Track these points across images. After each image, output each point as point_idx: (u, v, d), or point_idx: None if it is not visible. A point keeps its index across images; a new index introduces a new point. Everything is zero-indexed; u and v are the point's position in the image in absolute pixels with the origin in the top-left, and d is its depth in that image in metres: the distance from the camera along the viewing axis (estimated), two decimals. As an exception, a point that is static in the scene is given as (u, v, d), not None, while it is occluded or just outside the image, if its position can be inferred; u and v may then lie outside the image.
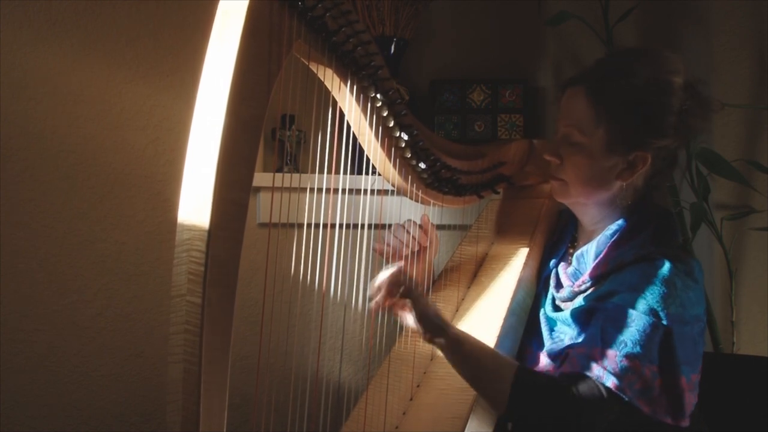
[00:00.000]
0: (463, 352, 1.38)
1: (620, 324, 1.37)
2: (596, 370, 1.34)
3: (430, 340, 1.39)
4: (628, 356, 1.34)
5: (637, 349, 1.35)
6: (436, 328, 1.38)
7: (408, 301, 1.36)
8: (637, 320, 1.37)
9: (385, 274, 1.36)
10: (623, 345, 1.35)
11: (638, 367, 1.34)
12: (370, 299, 1.37)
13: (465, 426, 1.34)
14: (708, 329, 2.20)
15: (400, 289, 1.36)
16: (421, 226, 1.66)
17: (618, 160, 1.47)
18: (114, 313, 1.99)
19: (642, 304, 1.38)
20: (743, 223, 2.36)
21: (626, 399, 1.33)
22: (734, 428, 1.77)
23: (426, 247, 1.68)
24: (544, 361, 1.51)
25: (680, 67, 1.48)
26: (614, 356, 1.34)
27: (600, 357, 1.35)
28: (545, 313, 1.56)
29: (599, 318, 1.40)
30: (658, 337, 1.36)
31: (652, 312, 1.37)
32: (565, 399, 1.33)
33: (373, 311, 1.38)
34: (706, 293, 1.55)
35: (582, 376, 1.34)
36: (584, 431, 1.33)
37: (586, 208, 1.56)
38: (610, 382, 1.33)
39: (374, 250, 1.62)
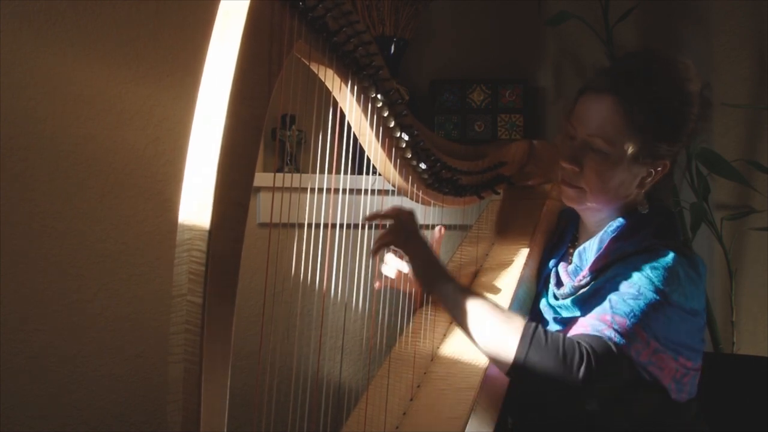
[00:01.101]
0: (465, 303, 1.37)
1: (628, 296, 1.37)
2: (606, 332, 1.34)
3: (430, 290, 1.39)
4: (636, 325, 1.34)
5: (645, 320, 1.35)
6: (436, 276, 1.39)
7: (408, 249, 1.41)
8: (645, 293, 1.37)
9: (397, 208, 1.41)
10: (632, 315, 1.35)
11: (645, 338, 1.35)
12: (369, 219, 1.45)
13: (465, 426, 1.34)
14: (708, 329, 2.20)
15: (404, 232, 1.40)
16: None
17: (642, 169, 1.47)
18: (114, 313, 1.99)
19: (648, 283, 1.38)
20: (743, 223, 2.36)
21: (635, 359, 1.33)
22: (734, 428, 1.77)
23: None
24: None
25: (695, 74, 1.49)
26: (624, 323, 1.34)
27: (610, 321, 1.35)
28: (547, 302, 1.56)
29: (607, 290, 1.41)
30: (663, 315, 1.37)
31: (659, 291, 1.38)
32: (575, 352, 1.30)
33: (374, 253, 1.45)
34: (707, 293, 1.55)
35: (592, 335, 1.34)
36: (593, 388, 1.33)
37: (599, 212, 1.54)
38: (621, 342, 1.33)
39: (375, 287, 1.62)
